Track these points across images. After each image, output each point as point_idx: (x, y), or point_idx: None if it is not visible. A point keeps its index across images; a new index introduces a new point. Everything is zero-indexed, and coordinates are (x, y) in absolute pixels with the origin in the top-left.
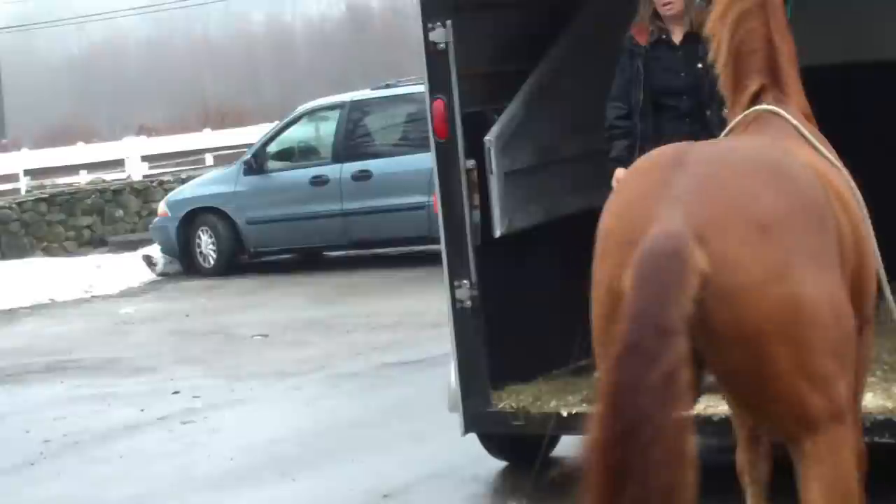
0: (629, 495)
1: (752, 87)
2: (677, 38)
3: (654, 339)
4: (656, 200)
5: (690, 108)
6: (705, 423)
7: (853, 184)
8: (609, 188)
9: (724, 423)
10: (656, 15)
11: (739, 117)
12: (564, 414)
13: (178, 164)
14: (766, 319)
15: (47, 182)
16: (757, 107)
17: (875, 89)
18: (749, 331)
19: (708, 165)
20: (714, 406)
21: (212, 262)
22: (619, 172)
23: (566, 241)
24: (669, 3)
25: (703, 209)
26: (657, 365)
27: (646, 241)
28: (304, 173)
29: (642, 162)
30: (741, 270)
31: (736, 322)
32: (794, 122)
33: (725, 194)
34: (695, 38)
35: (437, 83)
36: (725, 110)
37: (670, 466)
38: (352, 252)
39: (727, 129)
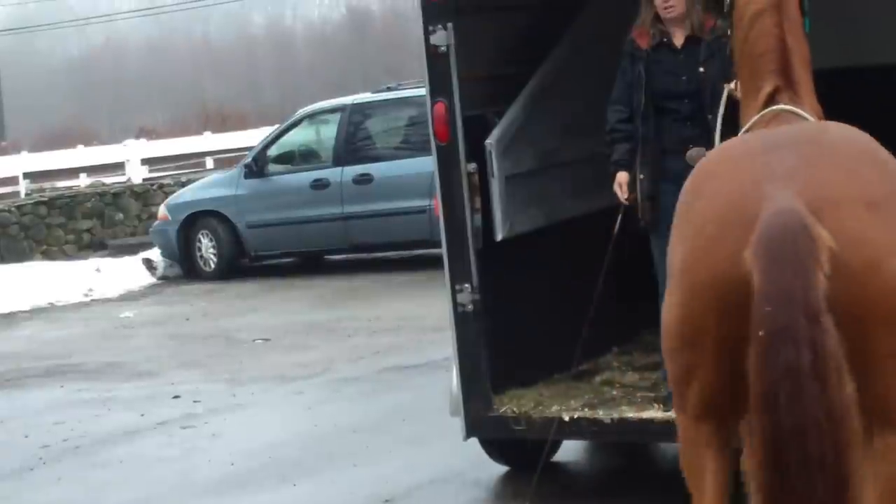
0: (815, 483)
1: (767, 88)
2: (678, 41)
3: (805, 321)
4: (760, 181)
5: (692, 112)
6: None
7: None
8: (611, 191)
9: None
10: (657, 18)
11: (756, 117)
12: (566, 418)
13: (178, 168)
14: (884, 295)
15: (47, 185)
16: (774, 106)
17: (873, 93)
18: (868, 307)
19: (805, 146)
20: None
21: (212, 265)
22: (621, 176)
23: (568, 244)
24: (671, 5)
25: (813, 187)
26: (815, 348)
27: (766, 220)
28: (305, 177)
29: (730, 147)
30: (863, 246)
31: (857, 298)
32: (814, 120)
33: (831, 172)
34: (696, 41)
35: (438, 86)
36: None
37: (848, 450)
38: (352, 256)
39: (744, 129)
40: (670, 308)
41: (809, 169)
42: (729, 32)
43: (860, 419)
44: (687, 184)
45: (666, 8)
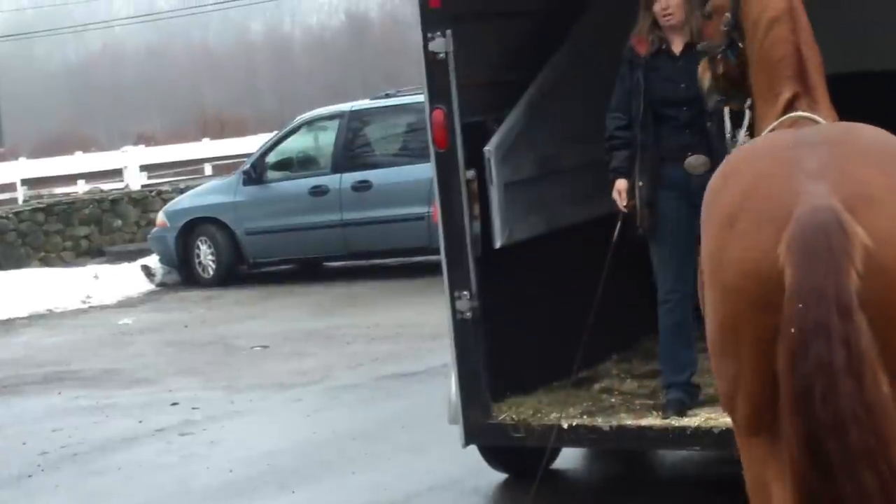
0: (861, 476)
1: (786, 94)
2: (677, 48)
3: (838, 318)
4: (793, 177)
5: (691, 119)
6: (705, 435)
7: None
8: (610, 199)
9: (725, 434)
10: (656, 25)
11: (775, 123)
12: (565, 426)
13: (176, 174)
14: None
15: (45, 192)
16: (793, 113)
17: (877, 98)
18: None
19: (836, 145)
20: (714, 418)
21: (211, 272)
22: (620, 183)
23: (567, 251)
24: (670, 13)
25: (847, 184)
26: (848, 345)
27: (801, 216)
28: (304, 183)
29: (760, 143)
30: (893, 243)
31: (890, 297)
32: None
33: (864, 170)
34: (695, 48)
35: (437, 93)
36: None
37: (890, 447)
38: (351, 263)
39: (765, 132)
40: (708, 319)
41: (842, 166)
42: (735, 42)
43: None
44: (713, 181)
45: (665, 15)
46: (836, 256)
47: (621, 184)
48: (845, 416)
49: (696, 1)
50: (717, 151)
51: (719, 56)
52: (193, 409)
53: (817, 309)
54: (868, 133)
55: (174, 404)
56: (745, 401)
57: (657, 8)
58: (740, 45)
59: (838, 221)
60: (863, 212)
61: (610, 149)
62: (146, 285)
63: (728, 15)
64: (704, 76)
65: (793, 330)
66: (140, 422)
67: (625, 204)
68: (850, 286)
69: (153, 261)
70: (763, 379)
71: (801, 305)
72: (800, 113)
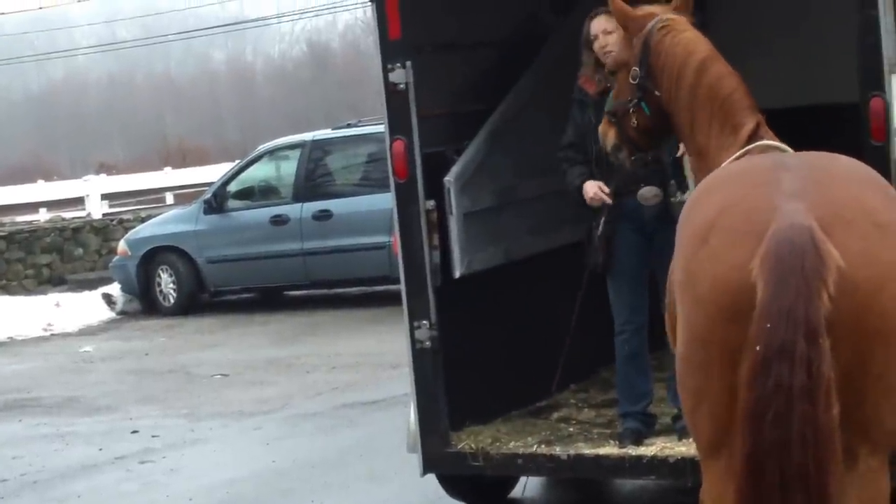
0: (793, 499)
1: (749, 123)
2: None
3: (804, 342)
4: (770, 195)
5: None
6: (661, 465)
7: None
8: (569, 229)
9: (681, 464)
10: (599, 63)
11: (741, 151)
12: (523, 454)
13: (138, 203)
14: (885, 315)
15: (6, 220)
16: (761, 142)
17: (823, 132)
18: (870, 326)
19: (813, 169)
20: (670, 448)
21: (172, 300)
22: (589, 185)
23: (526, 282)
24: (609, 50)
25: (823, 204)
26: (810, 368)
27: (777, 233)
28: (265, 212)
29: (737, 164)
30: (871, 265)
31: (860, 316)
32: None
33: (840, 193)
34: None
35: (397, 124)
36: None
37: (830, 468)
38: (312, 292)
39: (729, 161)
40: (679, 334)
41: (819, 188)
42: (650, 92)
43: (841, 440)
44: (689, 200)
45: (605, 54)
46: (809, 278)
47: (591, 186)
48: (792, 437)
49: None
50: (669, 182)
51: (632, 110)
52: (153, 436)
53: (785, 330)
54: (846, 160)
55: (134, 432)
56: (709, 417)
57: (597, 47)
58: (657, 93)
59: (813, 241)
60: (838, 232)
61: (567, 168)
62: (107, 313)
63: (636, 69)
64: (608, 135)
65: (758, 348)
66: (100, 449)
67: (607, 192)
68: (820, 309)
69: (114, 289)
70: (729, 394)
71: (768, 325)
72: (767, 142)
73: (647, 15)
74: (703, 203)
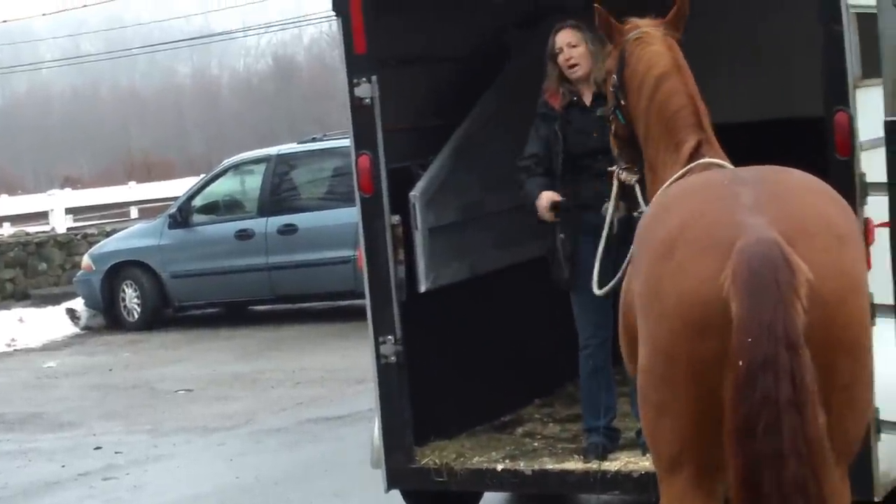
0: None
1: (691, 141)
2: (587, 99)
3: (786, 353)
4: (731, 209)
5: (607, 167)
6: (626, 480)
7: None
8: (534, 244)
9: (645, 479)
10: (564, 77)
11: (685, 169)
12: (487, 470)
13: (102, 217)
14: (848, 326)
15: None
16: (703, 160)
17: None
18: (835, 337)
19: (769, 183)
20: (634, 462)
21: (136, 315)
22: (546, 196)
23: (491, 296)
24: (574, 64)
25: (785, 218)
26: (794, 380)
27: (746, 249)
28: (230, 227)
29: (694, 180)
30: (835, 277)
31: (827, 328)
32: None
33: (799, 206)
34: (604, 97)
35: (363, 138)
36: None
37: (826, 476)
38: (277, 306)
39: (672, 180)
40: (641, 349)
41: (778, 202)
42: (620, 101)
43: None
44: (646, 217)
45: (570, 67)
46: (784, 291)
47: (546, 198)
48: (785, 448)
49: (597, 52)
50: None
51: (612, 117)
52: (117, 453)
53: (766, 343)
54: (798, 174)
55: (97, 448)
56: (673, 431)
57: (561, 60)
58: (622, 102)
59: (783, 255)
60: (802, 246)
61: (525, 178)
62: (71, 328)
63: (614, 76)
64: (613, 143)
65: (741, 363)
66: (63, 466)
67: (556, 200)
68: (798, 321)
69: (78, 304)
70: (694, 407)
71: (749, 339)
72: (709, 159)
73: (630, 28)
74: (663, 219)
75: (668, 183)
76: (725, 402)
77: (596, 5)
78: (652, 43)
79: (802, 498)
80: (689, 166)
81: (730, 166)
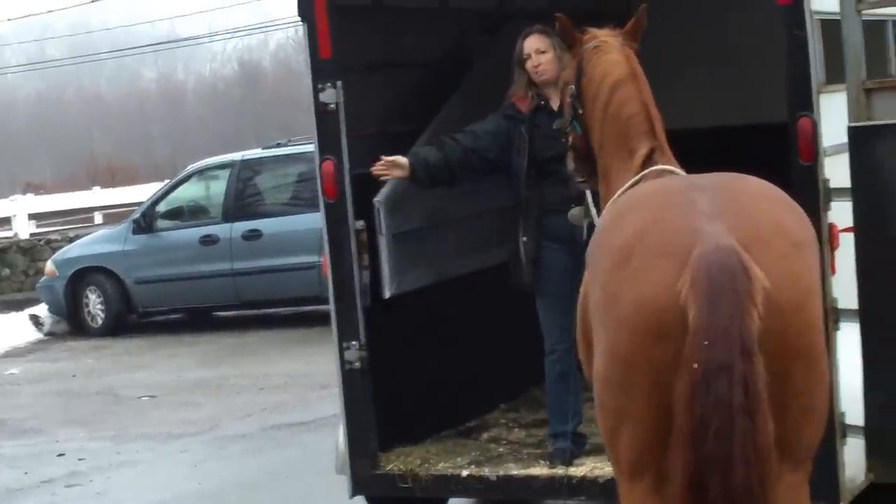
0: None
1: (644, 148)
2: (555, 103)
3: (740, 359)
4: (688, 215)
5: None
6: (591, 485)
7: None
8: (499, 249)
9: (611, 484)
10: (532, 82)
11: (638, 176)
12: (452, 476)
13: (66, 223)
14: (804, 333)
15: None
16: (656, 167)
17: (753, 151)
18: (791, 344)
19: (726, 190)
20: (600, 468)
21: (100, 321)
22: (391, 158)
23: (456, 302)
24: (542, 69)
25: (741, 226)
26: (747, 386)
27: (705, 254)
28: (194, 232)
29: (649, 185)
30: (791, 284)
31: (783, 335)
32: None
33: (756, 213)
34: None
35: (327, 144)
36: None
37: (770, 483)
38: (241, 312)
39: (625, 188)
40: (597, 355)
41: (735, 209)
42: (577, 111)
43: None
44: (601, 223)
45: (537, 72)
46: (741, 298)
47: (399, 158)
48: (735, 454)
49: (564, 57)
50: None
51: (569, 129)
52: (80, 459)
53: (722, 349)
54: (754, 180)
55: (61, 455)
56: (633, 437)
57: (529, 65)
58: (580, 111)
59: (741, 263)
60: (758, 253)
61: (439, 143)
62: (34, 334)
63: (572, 87)
64: (570, 156)
65: (695, 366)
66: (26, 473)
67: (382, 163)
68: (753, 328)
69: (42, 310)
70: (653, 413)
71: (706, 343)
72: (662, 166)
73: (589, 38)
74: (619, 225)
75: (621, 190)
76: (678, 406)
77: (558, 14)
78: (609, 52)
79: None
80: (642, 173)
81: (683, 173)
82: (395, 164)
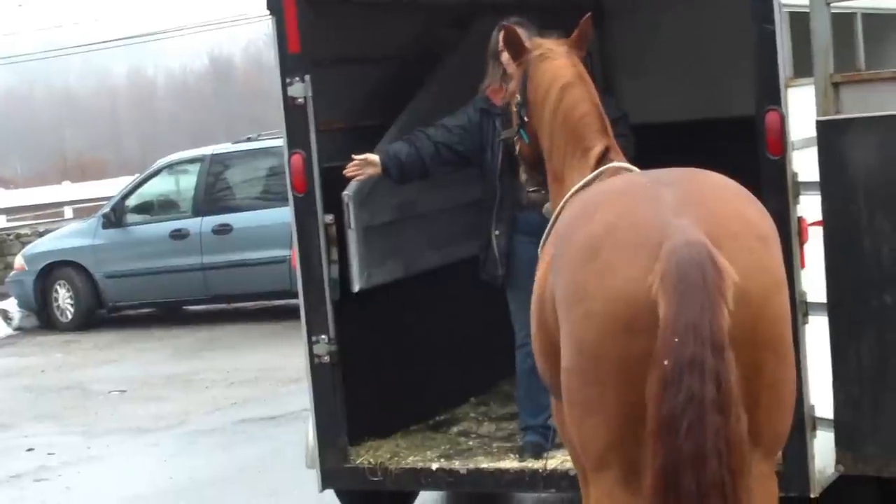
0: None
1: (598, 147)
2: None
3: (711, 355)
4: (656, 210)
5: None
6: (561, 478)
7: None
8: (469, 243)
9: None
10: (507, 74)
11: (595, 173)
12: (422, 469)
13: (36, 217)
14: (774, 324)
15: None
16: (612, 164)
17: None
18: (760, 336)
19: (689, 184)
20: (570, 461)
21: (69, 316)
22: (365, 156)
23: (426, 296)
24: None
25: (709, 220)
26: (719, 381)
27: (675, 248)
28: (164, 227)
29: (614, 181)
30: (759, 277)
31: (752, 327)
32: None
33: (721, 207)
34: None
35: (296, 137)
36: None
37: (743, 477)
38: (212, 306)
39: (580, 184)
40: (564, 348)
41: (700, 203)
42: (523, 119)
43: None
44: (566, 217)
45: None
46: (711, 293)
47: (371, 156)
48: (707, 449)
49: None
50: None
51: (516, 139)
52: (49, 454)
53: (693, 344)
54: (716, 176)
55: (30, 450)
56: (601, 429)
57: (504, 59)
58: (525, 119)
59: (711, 257)
60: (726, 247)
61: (412, 137)
62: (3, 329)
63: (518, 96)
64: (520, 168)
65: (666, 362)
66: None
67: (354, 163)
68: (724, 324)
69: (11, 304)
70: (622, 406)
71: (676, 339)
72: (617, 164)
73: (535, 46)
74: (585, 220)
75: (577, 186)
76: (648, 401)
77: (506, 23)
78: (555, 58)
79: (720, 499)
80: (599, 170)
81: (638, 171)
82: (367, 163)
